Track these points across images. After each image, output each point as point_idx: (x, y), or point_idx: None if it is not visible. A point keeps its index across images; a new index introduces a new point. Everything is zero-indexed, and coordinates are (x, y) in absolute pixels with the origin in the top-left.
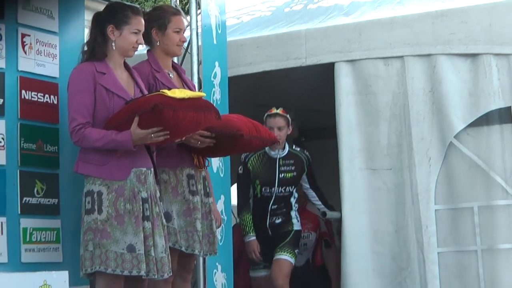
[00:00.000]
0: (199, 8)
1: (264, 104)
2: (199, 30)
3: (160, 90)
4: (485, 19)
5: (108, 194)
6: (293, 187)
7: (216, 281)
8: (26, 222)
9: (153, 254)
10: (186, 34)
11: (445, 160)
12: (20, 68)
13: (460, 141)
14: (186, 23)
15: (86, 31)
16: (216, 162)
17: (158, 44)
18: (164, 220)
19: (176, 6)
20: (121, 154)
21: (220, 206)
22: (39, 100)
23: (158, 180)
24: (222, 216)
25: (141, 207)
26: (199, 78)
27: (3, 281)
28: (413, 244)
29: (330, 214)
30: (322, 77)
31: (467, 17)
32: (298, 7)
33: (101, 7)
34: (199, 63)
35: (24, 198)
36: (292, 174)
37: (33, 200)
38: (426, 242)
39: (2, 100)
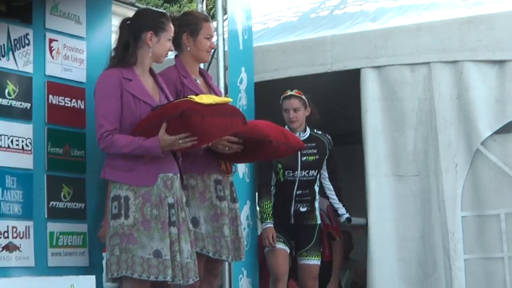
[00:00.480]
0: (225, 14)
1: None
2: (225, 36)
3: (188, 96)
4: None
5: (135, 199)
6: (316, 172)
7: (241, 286)
8: (53, 226)
9: (178, 259)
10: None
11: (472, 167)
12: (47, 73)
13: (487, 148)
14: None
15: (114, 36)
16: (242, 168)
17: (188, 49)
18: (190, 225)
19: (203, 11)
20: (148, 160)
21: (246, 211)
22: (66, 104)
23: (185, 185)
24: (247, 222)
25: (168, 213)
26: (225, 84)
27: (31, 285)
28: (439, 251)
29: (356, 221)
30: (348, 83)
31: (494, 24)
32: (324, 13)
33: (128, 12)
34: (225, 69)
35: (51, 203)
36: (314, 157)
37: (60, 205)
38: (452, 249)
39: (29, 105)
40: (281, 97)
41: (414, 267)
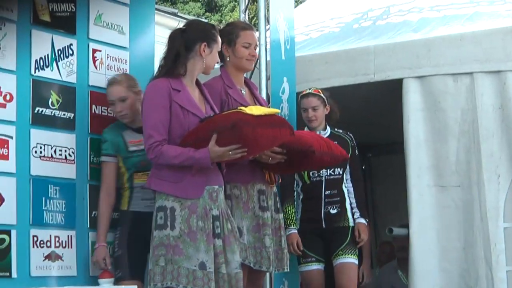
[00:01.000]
0: (268, 24)
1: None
2: (268, 46)
3: (238, 108)
4: None
5: (181, 210)
6: (341, 170)
7: None
8: (95, 236)
9: (223, 271)
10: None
11: None
12: (91, 83)
13: None
14: (256, 40)
15: (156, 46)
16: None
17: (228, 59)
18: (238, 235)
19: (245, 21)
20: (196, 172)
21: None
22: (109, 114)
23: (229, 195)
24: None
25: (212, 225)
26: (267, 94)
27: None
28: (481, 262)
29: (397, 231)
30: (390, 93)
31: None
32: (367, 23)
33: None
34: (267, 79)
35: (93, 212)
36: None
37: None
38: (494, 260)
39: (72, 115)
40: (299, 96)
41: (456, 278)
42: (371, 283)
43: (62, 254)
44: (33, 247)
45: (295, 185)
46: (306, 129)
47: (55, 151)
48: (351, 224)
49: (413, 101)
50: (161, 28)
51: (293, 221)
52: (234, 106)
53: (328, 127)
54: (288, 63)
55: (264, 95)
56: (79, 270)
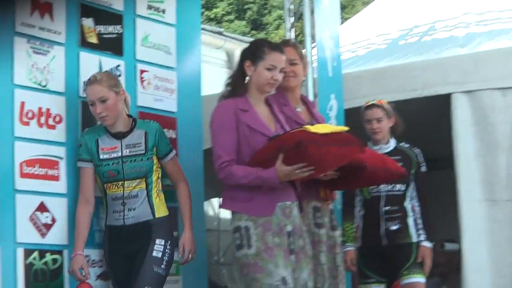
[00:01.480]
0: (314, 41)
1: None
2: (314, 63)
3: (303, 127)
4: None
5: (255, 228)
6: (404, 186)
7: None
8: None
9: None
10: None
11: None
12: (138, 104)
13: None
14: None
15: (203, 65)
16: None
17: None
18: (310, 252)
19: (290, 39)
20: (266, 189)
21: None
22: None
23: (303, 210)
24: None
25: (287, 241)
26: None
27: None
28: None
29: (449, 246)
30: (438, 108)
31: None
32: (413, 40)
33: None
34: (315, 96)
35: None
36: None
37: None
38: None
39: None
40: (363, 107)
41: None
42: None
43: None
44: None
45: (357, 200)
46: (369, 143)
47: None
48: (414, 240)
49: (462, 116)
50: (207, 48)
51: (351, 238)
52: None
53: (391, 141)
54: (335, 80)
55: None
56: None
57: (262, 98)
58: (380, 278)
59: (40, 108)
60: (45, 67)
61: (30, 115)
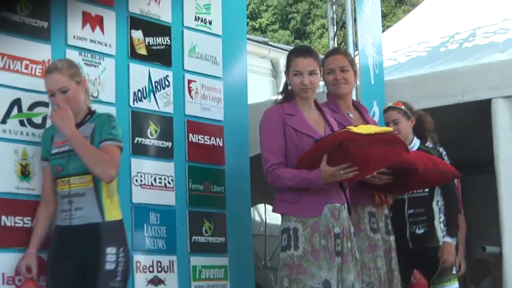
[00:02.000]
0: (357, 49)
1: None
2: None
3: (346, 127)
4: None
5: (304, 230)
6: (427, 188)
7: None
8: (196, 260)
9: None
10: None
11: None
12: (187, 113)
13: None
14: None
15: (249, 75)
16: None
17: (289, 87)
18: (357, 255)
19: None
20: (314, 191)
21: None
22: (205, 142)
23: (351, 214)
24: None
25: (334, 243)
26: None
27: None
28: None
29: (490, 249)
30: (479, 114)
31: None
32: (454, 46)
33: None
34: None
35: (193, 237)
36: None
37: (202, 239)
38: None
39: (171, 144)
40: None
41: None
42: None
43: (164, 278)
44: (137, 272)
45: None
46: None
47: (154, 179)
48: (442, 243)
49: (502, 121)
50: (253, 57)
51: None
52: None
53: (415, 141)
54: (378, 87)
55: None
56: None
57: (308, 103)
58: (403, 284)
59: None
60: (97, 78)
61: None
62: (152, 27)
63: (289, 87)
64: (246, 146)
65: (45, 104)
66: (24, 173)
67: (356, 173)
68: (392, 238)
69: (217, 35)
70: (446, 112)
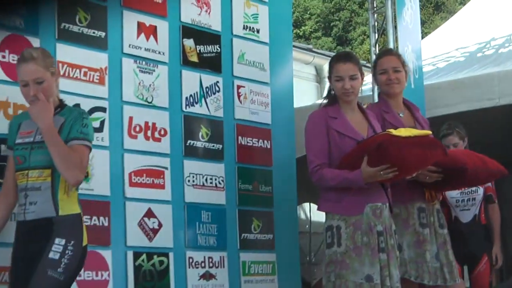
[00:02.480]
0: None
1: None
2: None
3: (386, 130)
4: None
5: (346, 228)
6: None
7: None
8: (245, 256)
9: (388, 284)
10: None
11: None
12: (236, 117)
13: None
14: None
15: (295, 80)
16: None
17: (332, 92)
18: (397, 252)
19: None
20: (356, 191)
21: None
22: (254, 145)
23: (393, 213)
24: None
25: (377, 240)
26: None
27: None
28: None
29: None
30: None
31: None
32: (490, 52)
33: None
34: None
35: (243, 235)
36: None
37: (251, 236)
38: None
39: (221, 146)
40: None
41: None
42: None
43: (216, 273)
44: (189, 267)
45: None
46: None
47: (206, 180)
48: None
49: None
50: (298, 63)
51: None
52: (389, 128)
53: None
54: (418, 91)
55: None
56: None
57: (351, 106)
58: None
59: (146, 123)
60: (151, 84)
61: (137, 129)
62: (203, 36)
63: (332, 92)
64: (292, 148)
65: (103, 109)
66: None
67: (396, 174)
68: (445, 231)
69: (265, 43)
70: (483, 115)
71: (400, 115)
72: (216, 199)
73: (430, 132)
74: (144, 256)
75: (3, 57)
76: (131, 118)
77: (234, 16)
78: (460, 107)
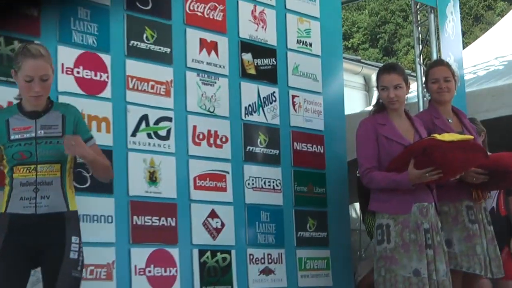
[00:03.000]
0: None
1: (498, 145)
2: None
3: (431, 135)
4: None
5: (395, 226)
6: None
7: None
8: (301, 253)
9: (434, 277)
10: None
11: None
12: (291, 124)
13: None
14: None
15: (345, 90)
16: None
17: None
18: (445, 247)
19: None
20: (404, 191)
21: None
22: (308, 150)
23: (438, 211)
24: None
25: (424, 237)
26: None
27: None
28: None
29: None
30: None
31: None
32: None
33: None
34: None
35: (299, 233)
36: None
37: (306, 234)
38: None
39: (278, 151)
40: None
41: None
42: None
43: (274, 269)
44: (250, 263)
45: None
46: None
47: (264, 183)
48: None
49: None
50: (347, 73)
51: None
52: (439, 133)
53: None
54: (460, 98)
55: None
56: (289, 282)
57: (398, 113)
58: None
59: (209, 131)
60: (213, 96)
61: (201, 136)
62: (260, 50)
63: (381, 100)
64: (343, 152)
65: (169, 119)
66: (152, 179)
67: (440, 176)
68: (491, 228)
69: (317, 56)
70: None
71: (449, 120)
72: (274, 200)
73: (472, 137)
74: (208, 254)
75: (78, 72)
76: (195, 127)
77: (288, 31)
78: (499, 112)
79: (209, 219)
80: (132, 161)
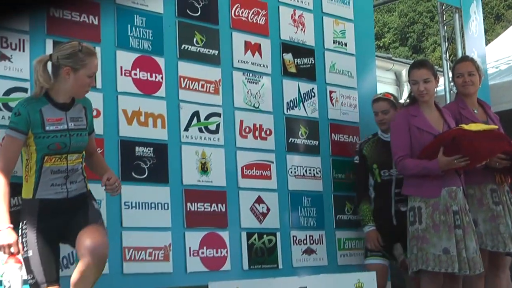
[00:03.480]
0: None
1: None
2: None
3: (459, 125)
4: None
5: (426, 208)
6: None
7: None
8: (340, 234)
9: (464, 255)
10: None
11: None
12: (329, 117)
13: None
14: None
15: (378, 85)
16: None
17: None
18: (473, 227)
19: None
20: (434, 177)
21: None
22: (345, 140)
23: (466, 195)
24: None
25: (453, 218)
26: None
27: (327, 281)
28: None
29: None
30: None
31: None
32: None
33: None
34: None
35: (338, 216)
36: None
37: (344, 217)
38: None
39: (317, 142)
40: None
41: None
42: None
43: (316, 249)
44: (293, 244)
45: (369, 184)
46: (379, 131)
47: (305, 171)
48: None
49: None
50: (380, 70)
51: (370, 218)
52: (466, 123)
53: None
54: (484, 90)
55: None
56: (329, 261)
57: (428, 105)
58: (386, 254)
59: (254, 124)
60: (257, 93)
61: (247, 130)
62: (300, 50)
63: (412, 94)
64: None
65: (218, 115)
66: (204, 169)
67: (468, 162)
68: None
69: (351, 54)
70: None
71: (475, 111)
72: (314, 186)
73: (496, 126)
74: (255, 236)
75: (135, 74)
76: (241, 121)
77: (325, 32)
78: None
79: (256, 205)
80: (185, 153)
